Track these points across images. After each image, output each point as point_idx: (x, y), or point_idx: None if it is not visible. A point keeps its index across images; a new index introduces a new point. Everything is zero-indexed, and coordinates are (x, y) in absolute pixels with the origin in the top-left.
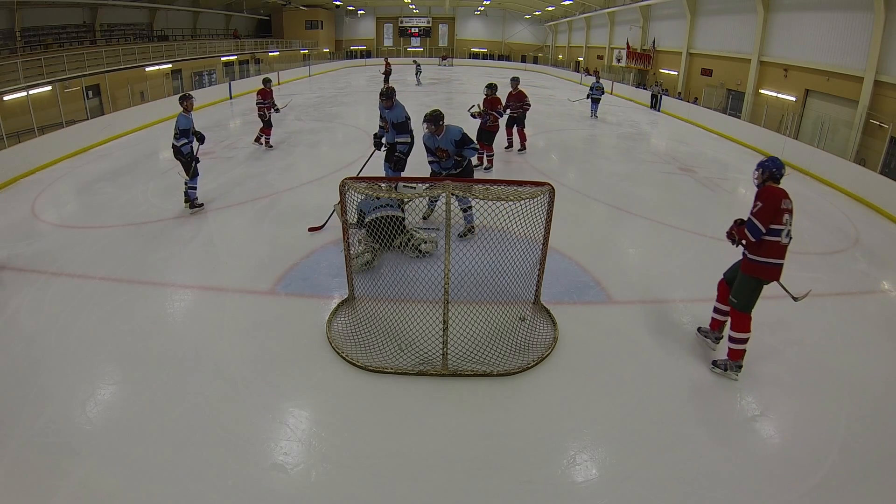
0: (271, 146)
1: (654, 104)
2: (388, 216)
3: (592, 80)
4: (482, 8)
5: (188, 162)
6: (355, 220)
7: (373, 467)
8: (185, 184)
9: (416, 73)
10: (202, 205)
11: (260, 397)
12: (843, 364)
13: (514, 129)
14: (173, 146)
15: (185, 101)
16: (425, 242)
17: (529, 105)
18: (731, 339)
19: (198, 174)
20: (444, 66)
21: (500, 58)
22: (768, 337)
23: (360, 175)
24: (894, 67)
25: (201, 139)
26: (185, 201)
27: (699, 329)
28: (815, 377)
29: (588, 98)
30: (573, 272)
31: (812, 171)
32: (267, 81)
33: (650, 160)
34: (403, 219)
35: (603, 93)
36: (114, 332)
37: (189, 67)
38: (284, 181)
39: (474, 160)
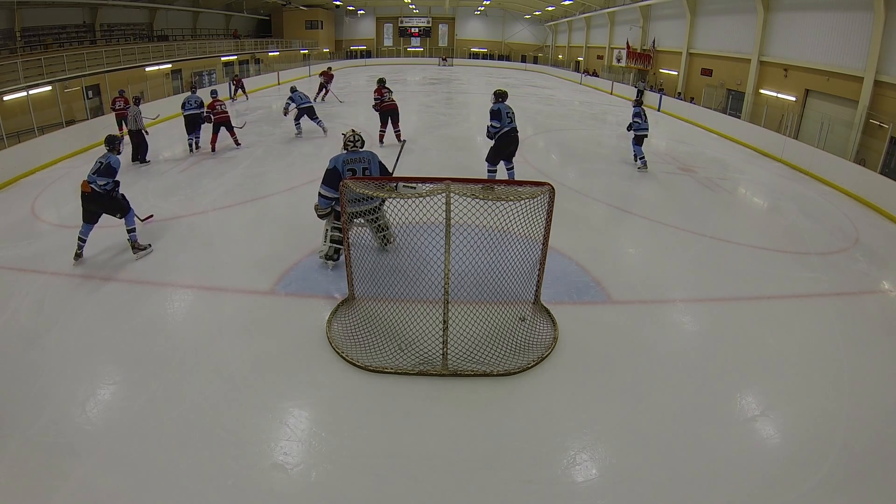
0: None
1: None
2: (365, 209)
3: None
4: (482, 8)
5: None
6: (328, 212)
7: (373, 467)
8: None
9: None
10: (148, 246)
11: (260, 397)
12: (843, 364)
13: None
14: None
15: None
16: (387, 231)
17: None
18: None
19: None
20: (445, 66)
21: (500, 58)
22: (768, 337)
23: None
24: (894, 67)
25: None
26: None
27: None
28: (815, 377)
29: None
30: (573, 272)
31: (812, 171)
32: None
33: (650, 160)
34: (381, 206)
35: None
36: (114, 332)
37: (189, 67)
38: (284, 181)
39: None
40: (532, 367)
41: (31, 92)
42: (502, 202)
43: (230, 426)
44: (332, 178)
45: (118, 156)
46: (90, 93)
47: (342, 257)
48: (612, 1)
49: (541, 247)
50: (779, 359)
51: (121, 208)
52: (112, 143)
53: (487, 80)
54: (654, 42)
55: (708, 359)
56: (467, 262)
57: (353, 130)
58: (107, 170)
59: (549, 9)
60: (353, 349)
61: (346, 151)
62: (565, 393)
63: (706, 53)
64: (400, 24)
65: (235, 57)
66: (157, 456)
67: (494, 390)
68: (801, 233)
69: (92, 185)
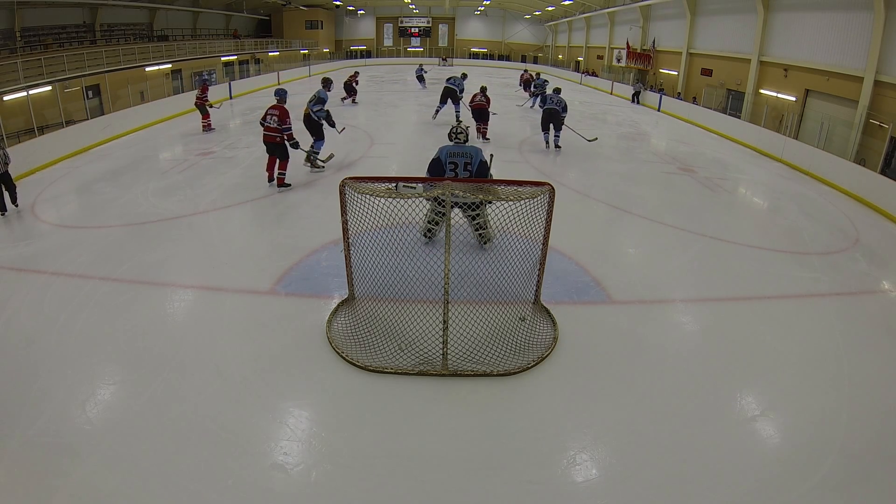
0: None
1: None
2: (464, 203)
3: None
4: (482, 8)
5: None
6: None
7: (373, 467)
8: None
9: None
10: (322, 167)
11: (260, 397)
12: (843, 364)
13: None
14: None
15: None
16: (484, 232)
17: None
18: None
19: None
20: (445, 66)
21: (500, 58)
22: (768, 337)
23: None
24: (894, 67)
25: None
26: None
27: None
28: (815, 377)
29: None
30: (573, 272)
31: (812, 171)
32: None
33: (650, 160)
34: (481, 205)
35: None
36: (114, 332)
37: (189, 67)
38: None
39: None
40: (532, 367)
41: (31, 92)
42: (502, 202)
43: (230, 426)
44: (435, 168)
45: (326, 90)
46: (90, 93)
47: (435, 237)
48: (612, 1)
49: (541, 247)
50: (779, 359)
51: (316, 134)
52: (325, 83)
53: (488, 81)
54: (654, 42)
55: (708, 359)
56: (467, 262)
57: (460, 122)
58: (317, 100)
59: (549, 9)
60: (353, 349)
61: (450, 143)
62: (565, 393)
63: (706, 53)
64: (400, 24)
65: (235, 57)
66: (157, 456)
67: (494, 390)
68: (800, 233)
69: (310, 112)
